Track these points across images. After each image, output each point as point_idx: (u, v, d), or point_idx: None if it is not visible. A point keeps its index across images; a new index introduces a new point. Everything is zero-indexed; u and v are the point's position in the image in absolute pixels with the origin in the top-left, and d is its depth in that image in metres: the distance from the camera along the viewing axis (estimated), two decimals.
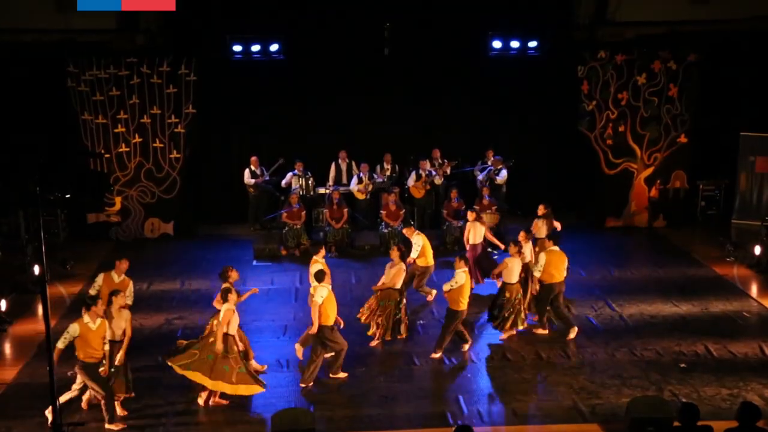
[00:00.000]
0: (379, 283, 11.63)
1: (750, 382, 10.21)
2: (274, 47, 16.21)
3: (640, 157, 16.93)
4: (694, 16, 16.70)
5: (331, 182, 16.68)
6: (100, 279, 10.76)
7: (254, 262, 15.07)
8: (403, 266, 11.58)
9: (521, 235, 12.18)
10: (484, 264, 13.48)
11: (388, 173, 16.75)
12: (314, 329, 10.15)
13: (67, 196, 8.51)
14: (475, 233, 13.65)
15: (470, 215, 13.78)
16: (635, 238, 16.81)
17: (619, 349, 11.27)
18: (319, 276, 10.34)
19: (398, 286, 11.47)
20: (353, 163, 16.77)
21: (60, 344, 9.18)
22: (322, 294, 10.16)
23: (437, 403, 9.88)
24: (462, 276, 10.73)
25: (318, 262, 11.29)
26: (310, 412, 9.29)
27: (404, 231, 13.31)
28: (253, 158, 16.56)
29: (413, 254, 12.69)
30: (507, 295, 11.47)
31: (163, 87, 16.08)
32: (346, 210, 15.79)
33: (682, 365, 10.72)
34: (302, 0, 16.38)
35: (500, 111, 17.28)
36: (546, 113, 17.35)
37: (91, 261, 15.23)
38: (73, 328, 9.26)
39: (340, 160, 16.79)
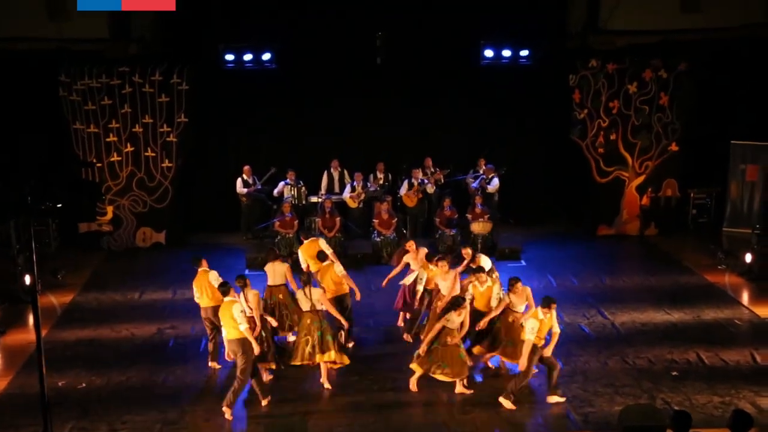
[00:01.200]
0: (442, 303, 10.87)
1: (742, 390, 10.21)
2: (266, 56, 16.25)
3: (632, 166, 16.99)
4: (685, 25, 16.79)
5: (323, 191, 16.69)
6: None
7: (246, 271, 15.01)
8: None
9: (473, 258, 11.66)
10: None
11: (381, 182, 16.77)
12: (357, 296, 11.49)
13: (59, 205, 8.47)
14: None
15: (410, 245, 12.18)
16: (627, 246, 16.86)
17: (612, 357, 11.26)
18: (322, 255, 11.51)
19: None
20: (345, 172, 16.81)
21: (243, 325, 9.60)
22: (341, 268, 11.36)
23: (431, 413, 9.86)
24: (534, 321, 9.76)
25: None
26: (304, 421, 9.27)
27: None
28: (246, 167, 16.56)
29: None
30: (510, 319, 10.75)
31: (155, 96, 16.07)
32: (338, 219, 15.79)
33: (674, 373, 10.73)
34: (295, 9, 16.44)
35: (492, 119, 17.33)
36: (538, 122, 17.43)
37: (82, 270, 15.20)
38: (240, 307, 9.70)
39: (332, 169, 16.81)
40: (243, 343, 9.62)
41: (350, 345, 11.49)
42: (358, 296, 11.62)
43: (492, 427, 9.58)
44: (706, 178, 17.37)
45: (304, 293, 10.34)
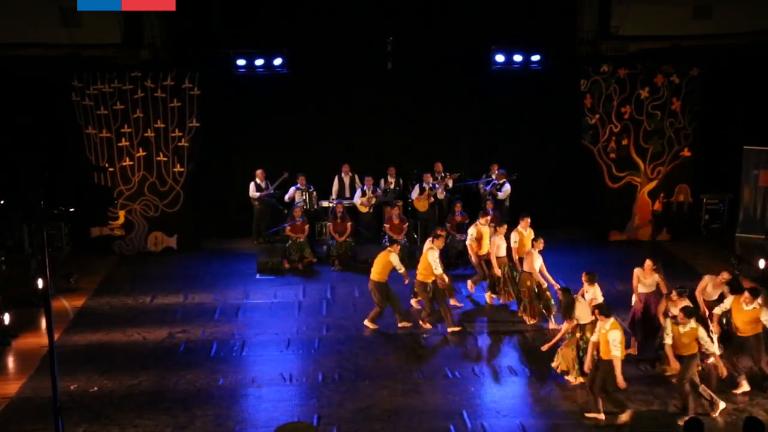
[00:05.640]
0: None
1: (755, 397, 10.16)
2: (277, 61, 16.32)
3: (644, 171, 16.94)
4: (696, 31, 16.79)
5: (334, 196, 16.73)
6: None
7: (257, 276, 15.07)
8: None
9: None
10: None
11: (392, 186, 16.78)
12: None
13: (71, 210, 8.51)
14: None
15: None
16: (639, 251, 16.74)
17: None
18: None
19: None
20: (356, 177, 16.83)
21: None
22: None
23: (440, 418, 9.82)
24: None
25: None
26: (313, 426, 9.27)
27: None
28: (259, 171, 16.60)
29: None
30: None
31: (167, 101, 16.14)
32: (349, 223, 15.79)
33: None
34: (306, 14, 16.51)
35: (503, 124, 17.34)
36: (549, 127, 17.39)
37: (94, 275, 15.25)
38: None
39: (343, 174, 16.83)
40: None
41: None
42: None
43: None
44: (719, 183, 17.31)
45: None
